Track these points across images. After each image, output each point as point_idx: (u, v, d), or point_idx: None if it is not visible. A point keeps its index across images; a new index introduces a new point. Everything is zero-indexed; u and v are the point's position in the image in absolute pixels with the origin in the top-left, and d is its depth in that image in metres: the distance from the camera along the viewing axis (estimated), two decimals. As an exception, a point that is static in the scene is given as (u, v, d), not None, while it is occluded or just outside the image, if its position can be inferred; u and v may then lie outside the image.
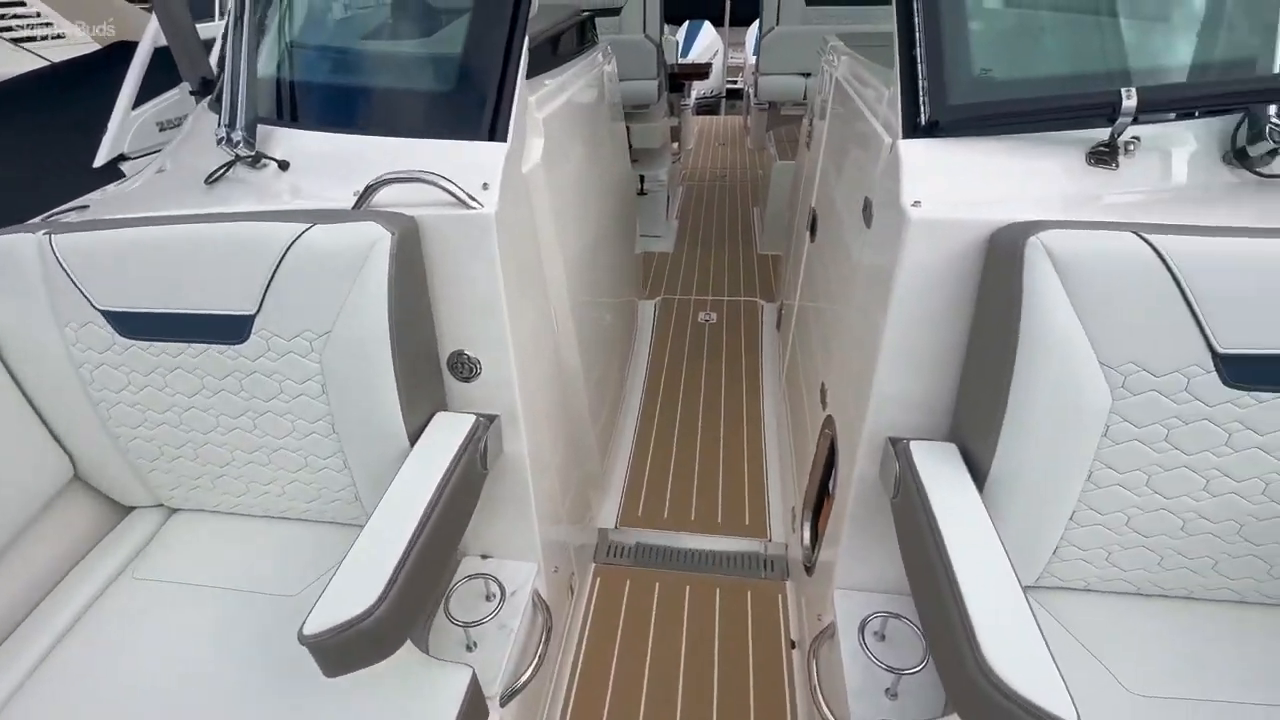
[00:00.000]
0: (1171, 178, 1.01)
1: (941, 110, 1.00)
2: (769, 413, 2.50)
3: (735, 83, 7.52)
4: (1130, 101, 0.90)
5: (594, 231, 1.89)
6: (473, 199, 1.04)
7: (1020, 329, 0.87)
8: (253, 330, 1.05)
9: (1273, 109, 0.95)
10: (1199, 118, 1.01)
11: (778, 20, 3.78)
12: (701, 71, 5.35)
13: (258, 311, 1.04)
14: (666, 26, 4.69)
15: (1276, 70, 0.99)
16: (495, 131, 1.11)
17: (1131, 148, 0.98)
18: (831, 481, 1.43)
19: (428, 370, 1.14)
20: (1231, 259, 0.82)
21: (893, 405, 1.09)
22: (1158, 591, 1.04)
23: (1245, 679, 0.95)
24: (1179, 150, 1.02)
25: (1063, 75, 1.09)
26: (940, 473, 0.97)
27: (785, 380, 2.46)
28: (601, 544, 1.98)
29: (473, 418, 1.12)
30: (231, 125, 1.18)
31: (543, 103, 1.44)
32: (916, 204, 0.96)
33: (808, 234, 2.09)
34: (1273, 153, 0.98)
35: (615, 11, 3.62)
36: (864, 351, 1.15)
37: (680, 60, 6.46)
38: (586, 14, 2.30)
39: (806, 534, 1.58)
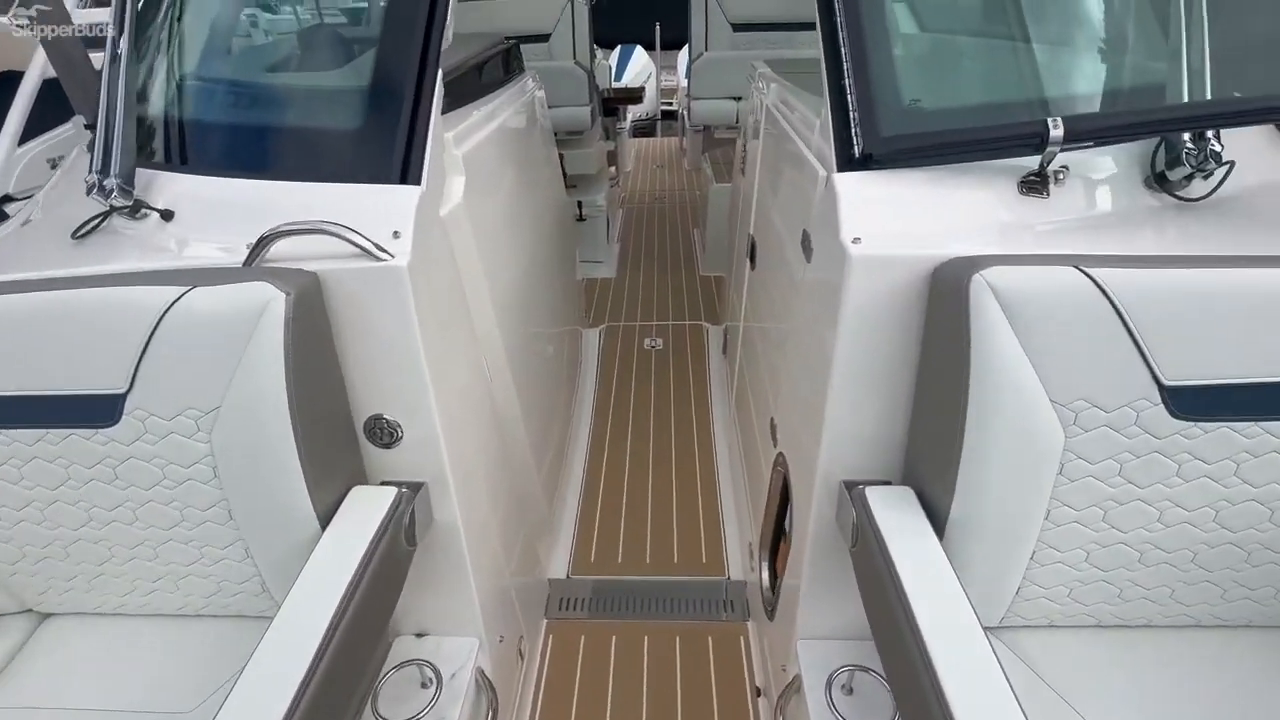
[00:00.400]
0: (1099, 204, 1.01)
1: (874, 142, 0.98)
2: (720, 441, 2.45)
3: (670, 104, 7.61)
4: (1057, 131, 0.90)
5: (528, 264, 1.81)
6: (382, 249, 0.94)
7: (970, 369, 0.84)
8: (124, 411, 0.91)
9: (1187, 135, 0.97)
10: (1117, 143, 1.02)
11: (706, 46, 3.82)
12: (635, 96, 5.37)
13: (129, 389, 0.90)
14: (599, 51, 4.69)
15: (1187, 99, 1.02)
16: (407, 174, 1.03)
17: (1061, 176, 0.98)
18: (787, 520, 1.37)
19: (339, 441, 1.02)
20: (1171, 291, 0.81)
21: (845, 445, 1.05)
22: (1118, 623, 1.02)
23: (1206, 708, 0.94)
24: (1104, 176, 1.03)
25: (990, 104, 1.09)
26: (898, 520, 0.93)
27: (735, 406, 2.42)
28: (554, 596, 1.87)
29: (394, 490, 1.01)
30: (104, 171, 1.04)
31: (463, 137, 1.35)
32: (857, 240, 0.93)
33: (748, 261, 2.06)
34: (1189, 177, 1.00)
35: (544, 38, 3.58)
36: (812, 390, 1.10)
37: (614, 84, 6.48)
38: (511, 42, 2.23)
39: (765, 575, 1.52)
